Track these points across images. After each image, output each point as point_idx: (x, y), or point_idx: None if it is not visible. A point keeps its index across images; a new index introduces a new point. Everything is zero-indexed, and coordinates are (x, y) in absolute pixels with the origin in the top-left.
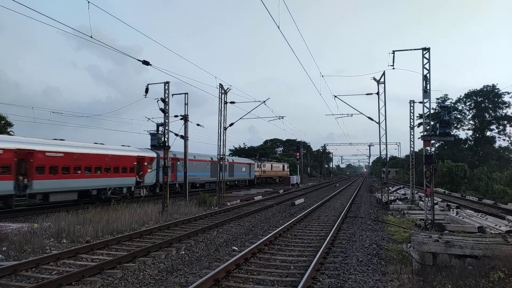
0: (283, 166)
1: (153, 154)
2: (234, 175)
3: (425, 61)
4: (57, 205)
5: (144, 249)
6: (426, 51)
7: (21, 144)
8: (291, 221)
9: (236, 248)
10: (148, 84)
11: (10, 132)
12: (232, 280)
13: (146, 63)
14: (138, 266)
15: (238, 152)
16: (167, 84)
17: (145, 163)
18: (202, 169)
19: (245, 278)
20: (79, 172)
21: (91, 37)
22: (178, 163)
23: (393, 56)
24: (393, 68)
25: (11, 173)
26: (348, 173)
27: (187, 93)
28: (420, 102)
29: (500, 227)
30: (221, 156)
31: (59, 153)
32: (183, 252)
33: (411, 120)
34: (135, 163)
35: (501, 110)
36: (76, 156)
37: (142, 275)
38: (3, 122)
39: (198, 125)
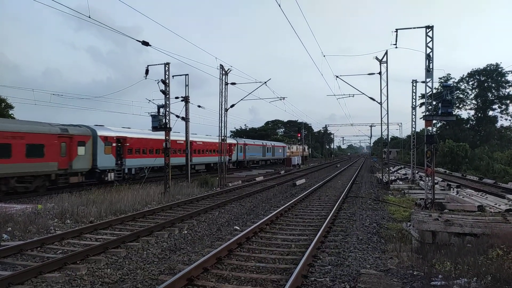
0: (304, 148)
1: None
2: (275, 155)
3: (428, 39)
4: (64, 186)
5: (147, 229)
6: (429, 30)
7: (119, 133)
8: (292, 201)
9: (238, 228)
10: (148, 66)
11: (11, 115)
12: (234, 258)
13: (145, 43)
14: (142, 245)
15: (240, 133)
16: (167, 65)
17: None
18: (257, 151)
19: (247, 257)
20: (146, 153)
21: (89, 17)
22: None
23: (396, 34)
24: (396, 47)
25: (113, 153)
26: (349, 153)
27: (187, 75)
28: (423, 82)
29: (499, 206)
30: (222, 137)
31: (137, 138)
32: (186, 232)
33: (413, 100)
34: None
35: (504, 90)
36: (143, 141)
37: (146, 254)
38: (3, 104)
39: (199, 106)
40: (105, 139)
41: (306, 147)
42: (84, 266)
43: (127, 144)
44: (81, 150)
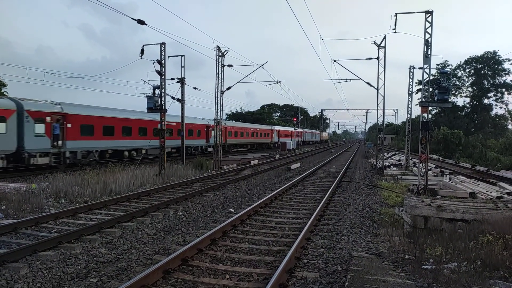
0: (323, 134)
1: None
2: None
3: (428, 25)
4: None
5: (142, 210)
6: (429, 15)
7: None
8: (286, 185)
9: (233, 210)
10: (143, 45)
11: (4, 93)
12: (228, 240)
13: (141, 22)
14: (136, 225)
15: (235, 117)
16: (163, 45)
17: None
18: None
19: (241, 238)
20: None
21: None
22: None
23: (395, 19)
24: (395, 32)
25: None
26: (344, 139)
27: (183, 55)
28: (420, 68)
29: (491, 193)
30: (218, 120)
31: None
32: (180, 213)
33: (410, 86)
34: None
35: (500, 78)
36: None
37: (141, 234)
38: None
39: (195, 88)
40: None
41: (325, 133)
42: (79, 245)
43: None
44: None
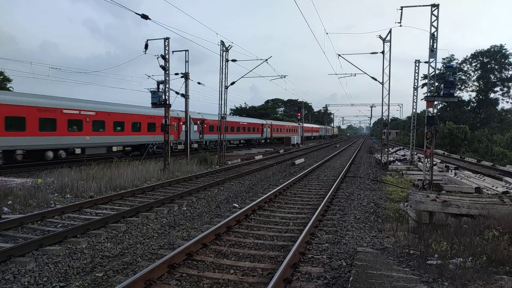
0: (335, 129)
1: None
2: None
3: (433, 18)
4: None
5: (146, 205)
6: (435, 8)
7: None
8: (291, 180)
9: (237, 205)
10: (147, 40)
11: (10, 88)
12: (233, 235)
13: (145, 17)
14: (141, 220)
15: (239, 111)
16: (167, 40)
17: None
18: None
19: (246, 233)
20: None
21: None
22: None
23: (401, 12)
24: (400, 25)
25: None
26: (348, 134)
27: (187, 50)
28: (426, 62)
29: (497, 188)
30: (222, 115)
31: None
32: (185, 208)
33: (415, 81)
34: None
35: (506, 72)
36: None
37: (146, 229)
38: (1, 77)
39: (199, 83)
40: None
41: (336, 129)
42: (85, 240)
43: None
44: None
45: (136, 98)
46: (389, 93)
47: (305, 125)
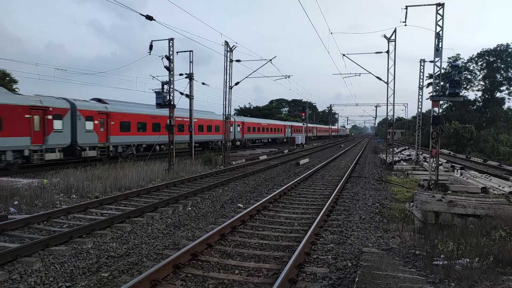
0: (347, 129)
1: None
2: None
3: (439, 17)
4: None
5: (151, 205)
6: (440, 7)
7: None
8: (295, 180)
9: (241, 205)
10: (152, 41)
11: (16, 89)
12: (237, 235)
13: (149, 18)
14: (147, 220)
15: (244, 112)
16: (171, 41)
17: None
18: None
19: (250, 234)
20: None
21: None
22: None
23: (406, 11)
24: (405, 25)
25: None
26: (353, 134)
27: (192, 51)
28: (431, 62)
29: (503, 188)
30: (226, 115)
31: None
32: (190, 208)
33: (421, 80)
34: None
35: None
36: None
37: (151, 229)
38: (7, 79)
39: (203, 84)
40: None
41: (348, 129)
42: (90, 240)
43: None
44: None
45: (140, 99)
46: (394, 93)
47: (321, 126)
